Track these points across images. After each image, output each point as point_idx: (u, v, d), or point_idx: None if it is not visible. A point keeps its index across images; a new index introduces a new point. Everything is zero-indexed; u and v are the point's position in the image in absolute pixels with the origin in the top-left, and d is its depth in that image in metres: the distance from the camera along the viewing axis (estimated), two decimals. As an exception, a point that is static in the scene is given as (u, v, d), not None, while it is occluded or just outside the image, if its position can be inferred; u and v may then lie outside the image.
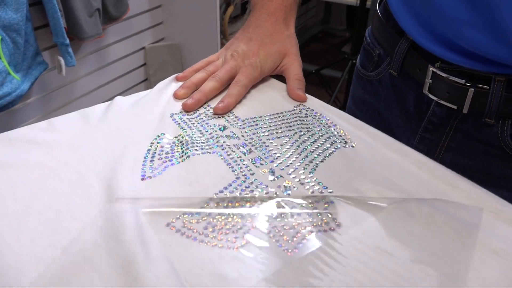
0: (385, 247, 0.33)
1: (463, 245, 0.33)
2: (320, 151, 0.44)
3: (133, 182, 0.39)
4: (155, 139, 0.45)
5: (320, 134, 0.47)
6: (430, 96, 0.49)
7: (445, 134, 0.50)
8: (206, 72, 0.55)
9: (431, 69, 0.48)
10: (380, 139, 0.46)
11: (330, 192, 0.38)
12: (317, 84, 2.32)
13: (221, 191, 0.38)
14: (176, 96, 0.52)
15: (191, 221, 0.35)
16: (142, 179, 0.40)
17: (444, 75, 0.47)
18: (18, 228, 0.34)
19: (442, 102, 0.48)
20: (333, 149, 0.44)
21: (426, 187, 0.39)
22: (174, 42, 1.95)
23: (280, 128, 0.48)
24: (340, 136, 0.46)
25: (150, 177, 0.40)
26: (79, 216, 0.35)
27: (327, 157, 0.43)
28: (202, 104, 0.51)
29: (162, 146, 0.44)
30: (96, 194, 0.37)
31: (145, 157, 0.42)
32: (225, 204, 0.37)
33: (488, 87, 0.44)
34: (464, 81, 0.45)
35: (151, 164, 0.42)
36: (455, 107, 0.47)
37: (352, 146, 0.45)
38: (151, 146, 0.44)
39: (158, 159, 0.42)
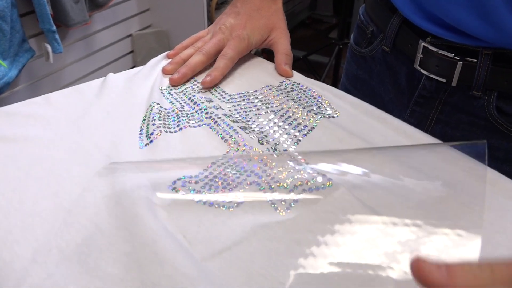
0: (373, 203, 0.35)
1: None
2: (305, 124, 0.45)
3: (132, 151, 0.41)
4: (148, 107, 0.47)
5: (305, 106, 0.48)
6: (421, 70, 0.51)
7: (435, 107, 0.52)
8: (194, 48, 0.56)
9: (422, 44, 0.49)
10: (361, 108, 0.48)
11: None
12: (305, 70, 2.33)
13: (216, 160, 0.39)
14: (165, 72, 0.54)
15: (190, 181, 0.36)
16: (140, 147, 0.41)
17: (434, 49, 0.48)
18: (21, 191, 0.35)
19: (432, 76, 0.50)
20: (317, 120, 0.46)
21: (403, 149, 0.41)
22: (162, 29, 1.94)
23: (267, 102, 0.49)
24: (325, 107, 0.48)
25: (147, 144, 0.42)
26: (79, 181, 0.36)
27: (311, 130, 0.44)
28: (188, 77, 0.53)
29: (155, 114, 0.46)
30: (95, 161, 0.39)
31: (141, 127, 0.44)
32: (223, 166, 0.38)
33: (475, 60, 0.46)
34: (453, 54, 0.47)
35: (147, 132, 0.43)
36: (444, 80, 0.49)
37: (336, 115, 0.47)
38: (145, 116, 0.46)
39: (152, 124, 0.44)
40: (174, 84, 0.52)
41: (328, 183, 0.36)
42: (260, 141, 0.42)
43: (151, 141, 0.42)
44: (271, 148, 0.41)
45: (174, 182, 0.36)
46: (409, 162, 0.39)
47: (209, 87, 0.51)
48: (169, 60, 0.57)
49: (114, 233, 0.31)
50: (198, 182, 0.36)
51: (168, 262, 0.29)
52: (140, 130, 0.44)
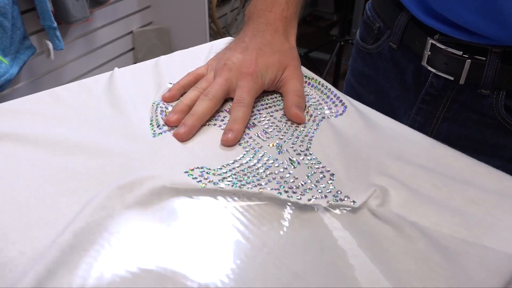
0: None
1: None
2: (312, 121, 0.45)
3: (146, 139, 0.41)
4: (154, 103, 0.47)
5: (315, 101, 0.48)
6: (429, 68, 0.50)
7: (442, 105, 0.52)
8: (198, 90, 0.47)
9: (430, 41, 0.49)
10: (367, 110, 0.48)
11: (328, 171, 0.39)
12: (306, 67, 2.32)
13: (235, 161, 0.39)
14: (169, 123, 0.43)
15: (208, 172, 0.37)
16: (153, 136, 0.41)
17: (442, 47, 0.48)
18: (37, 188, 0.35)
19: (439, 73, 0.50)
20: (324, 119, 0.45)
21: (411, 148, 0.41)
22: (162, 26, 1.94)
23: (279, 100, 0.49)
24: (336, 104, 0.48)
25: (161, 133, 0.42)
26: (97, 175, 0.36)
27: (317, 129, 0.44)
28: (197, 129, 0.43)
29: (161, 107, 0.46)
30: (110, 154, 0.38)
31: (151, 119, 0.44)
32: (243, 167, 0.38)
33: (484, 58, 0.46)
34: (461, 52, 0.47)
35: (157, 122, 0.43)
36: (452, 78, 0.49)
37: (345, 107, 0.47)
38: (152, 108, 0.46)
39: (162, 118, 0.44)
40: (181, 140, 0.41)
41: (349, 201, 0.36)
42: (278, 149, 0.41)
43: (163, 131, 0.42)
44: (289, 158, 0.40)
45: (192, 169, 0.37)
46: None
47: (233, 145, 0.42)
48: (169, 60, 0.54)
49: (125, 232, 0.32)
50: (216, 175, 0.37)
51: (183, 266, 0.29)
52: (151, 121, 0.44)
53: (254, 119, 0.45)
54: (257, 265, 0.30)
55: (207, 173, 0.36)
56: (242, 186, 0.35)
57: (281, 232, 0.32)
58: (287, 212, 0.34)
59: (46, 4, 1.28)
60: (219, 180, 0.36)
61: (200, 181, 0.36)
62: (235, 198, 0.35)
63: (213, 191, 0.35)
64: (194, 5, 1.84)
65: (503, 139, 0.49)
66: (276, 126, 0.44)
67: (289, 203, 0.35)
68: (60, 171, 0.37)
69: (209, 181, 0.36)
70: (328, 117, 0.46)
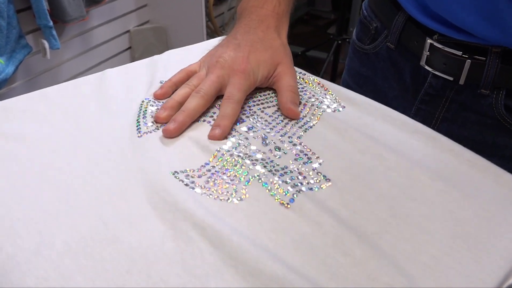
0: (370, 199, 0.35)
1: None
2: (308, 118, 0.45)
3: (131, 139, 0.40)
4: (143, 101, 0.46)
5: (309, 98, 0.48)
6: (427, 68, 0.50)
7: (441, 105, 0.51)
8: (189, 87, 0.46)
9: (428, 41, 0.49)
10: (366, 103, 0.47)
11: (317, 157, 0.39)
12: (304, 65, 2.32)
13: (217, 150, 0.40)
14: (159, 120, 0.43)
15: (193, 175, 0.37)
16: (139, 136, 0.41)
17: (441, 47, 0.48)
18: (22, 186, 0.35)
19: (438, 74, 0.49)
20: (320, 114, 0.45)
21: (410, 140, 0.41)
22: (159, 25, 1.93)
23: (272, 97, 0.48)
24: (330, 100, 0.48)
25: (146, 132, 0.42)
26: (81, 174, 0.36)
27: (314, 125, 0.44)
28: (187, 126, 0.43)
29: (152, 106, 0.45)
30: (96, 155, 0.39)
31: (138, 116, 0.44)
32: (225, 161, 0.39)
33: (484, 58, 0.45)
34: (461, 52, 0.47)
35: (144, 121, 0.43)
36: (451, 78, 0.49)
37: (342, 109, 0.46)
38: (141, 107, 0.45)
39: (151, 116, 0.44)
40: (170, 136, 0.41)
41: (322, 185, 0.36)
42: (264, 142, 0.41)
43: (149, 132, 0.42)
44: (274, 148, 0.40)
45: (178, 172, 0.37)
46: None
47: (219, 140, 0.42)
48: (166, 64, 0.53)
49: (119, 226, 0.32)
50: (201, 176, 0.37)
51: (178, 263, 0.29)
52: (137, 119, 0.43)
53: (245, 116, 0.45)
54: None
55: (192, 177, 0.36)
56: (227, 184, 0.36)
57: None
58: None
59: (42, 3, 1.28)
60: (205, 182, 0.36)
61: (187, 184, 0.36)
62: (223, 193, 0.35)
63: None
64: (191, 4, 1.83)
65: (503, 138, 0.49)
66: (265, 120, 0.44)
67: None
68: (44, 170, 0.37)
69: (193, 182, 0.36)
70: (322, 113, 0.46)
